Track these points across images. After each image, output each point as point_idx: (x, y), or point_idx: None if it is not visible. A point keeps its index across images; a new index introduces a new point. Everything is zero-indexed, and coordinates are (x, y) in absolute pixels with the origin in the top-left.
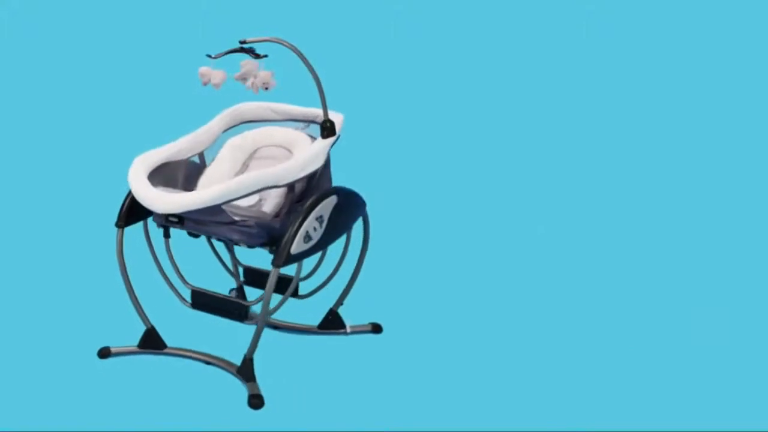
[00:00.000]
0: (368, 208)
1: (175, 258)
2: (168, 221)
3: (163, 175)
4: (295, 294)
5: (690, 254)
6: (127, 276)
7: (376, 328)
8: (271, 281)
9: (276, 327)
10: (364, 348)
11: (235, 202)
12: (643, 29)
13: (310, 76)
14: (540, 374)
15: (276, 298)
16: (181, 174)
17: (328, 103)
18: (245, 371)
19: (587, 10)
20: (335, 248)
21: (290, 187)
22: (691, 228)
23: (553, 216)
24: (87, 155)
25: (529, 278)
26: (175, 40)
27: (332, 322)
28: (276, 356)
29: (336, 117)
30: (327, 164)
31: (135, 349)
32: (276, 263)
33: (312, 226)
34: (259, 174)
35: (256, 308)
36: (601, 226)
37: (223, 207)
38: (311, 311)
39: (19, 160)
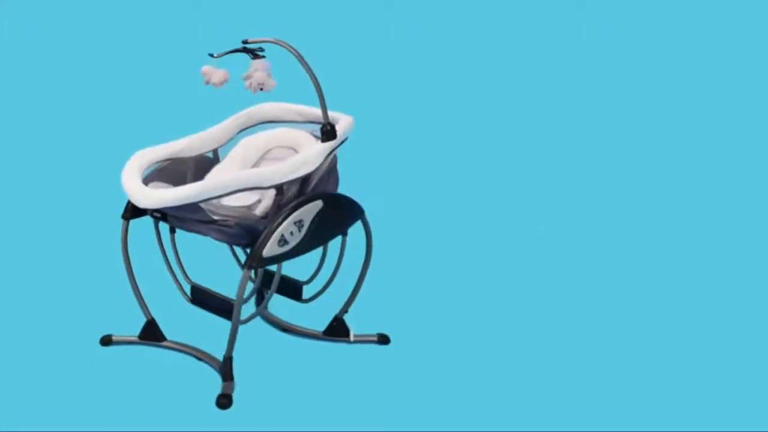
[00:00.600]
0: (376, 213)
1: (193, 254)
2: (153, 216)
3: (171, 171)
4: (299, 298)
5: (690, 254)
6: (130, 267)
7: (383, 339)
8: (243, 282)
9: (284, 329)
10: (363, 357)
11: (217, 201)
12: (643, 29)
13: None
14: (549, 386)
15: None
16: (191, 170)
17: (334, 106)
18: (224, 370)
19: (587, 10)
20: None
21: (278, 189)
22: (691, 228)
23: (559, 218)
24: (102, 151)
25: (539, 283)
26: (184, 40)
27: (337, 329)
28: (271, 358)
29: (344, 119)
30: (332, 168)
31: (135, 339)
32: (247, 264)
33: (289, 230)
34: (240, 174)
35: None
36: (605, 229)
37: (204, 205)
38: (328, 316)
39: (36, 154)
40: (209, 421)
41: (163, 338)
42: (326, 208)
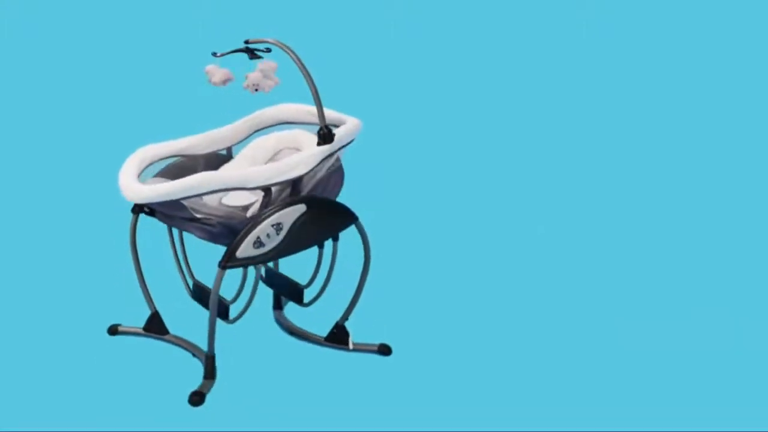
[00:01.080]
0: (380, 218)
1: (207, 252)
2: (143, 212)
3: (183, 167)
4: (300, 302)
5: (690, 254)
6: (138, 260)
7: (384, 350)
8: (217, 282)
9: (292, 332)
10: (359, 366)
11: (201, 199)
12: (643, 29)
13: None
14: (554, 398)
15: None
16: (201, 168)
17: (341, 108)
18: (205, 368)
19: (587, 10)
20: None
21: (266, 191)
22: (691, 227)
23: (561, 226)
24: (114, 148)
25: (543, 291)
26: (191, 39)
27: (337, 336)
28: (268, 360)
29: (350, 122)
30: (334, 171)
31: (140, 330)
32: (220, 264)
33: (265, 232)
34: (224, 174)
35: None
36: (607, 234)
37: (187, 203)
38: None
39: (50, 152)
40: (190, 419)
41: (166, 332)
42: (310, 212)
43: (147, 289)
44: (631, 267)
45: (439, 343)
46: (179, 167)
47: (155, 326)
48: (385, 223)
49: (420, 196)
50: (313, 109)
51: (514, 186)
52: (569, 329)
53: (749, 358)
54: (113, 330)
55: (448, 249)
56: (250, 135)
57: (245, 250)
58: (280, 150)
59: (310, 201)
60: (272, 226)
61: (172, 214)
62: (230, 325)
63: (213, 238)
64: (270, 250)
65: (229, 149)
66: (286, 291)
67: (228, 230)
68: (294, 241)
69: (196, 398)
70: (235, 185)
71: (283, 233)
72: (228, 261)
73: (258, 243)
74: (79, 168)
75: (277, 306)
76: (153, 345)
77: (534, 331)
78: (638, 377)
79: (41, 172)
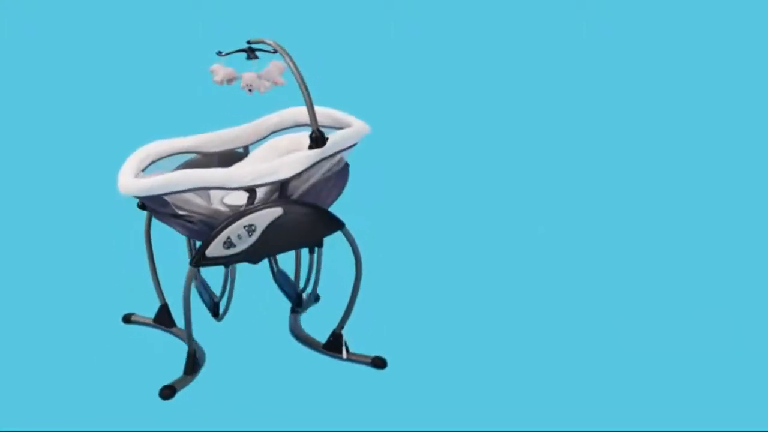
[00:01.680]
0: (382, 221)
1: None
2: (138, 207)
3: (197, 165)
4: (299, 305)
5: (690, 254)
6: (152, 253)
7: (378, 363)
8: (188, 280)
9: (297, 336)
10: (352, 377)
11: (184, 196)
12: (643, 29)
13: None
14: (556, 409)
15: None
16: (214, 166)
17: (348, 110)
18: (186, 363)
19: (588, 10)
20: (332, 260)
21: (250, 191)
22: (691, 227)
23: (563, 232)
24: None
25: (545, 299)
26: (202, 38)
27: (333, 344)
28: (263, 363)
29: (355, 125)
30: (333, 176)
31: (150, 321)
32: (191, 262)
33: (236, 233)
34: (206, 172)
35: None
36: (609, 242)
37: (170, 200)
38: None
39: (71, 147)
40: (162, 414)
41: (173, 324)
42: (288, 216)
43: (158, 282)
44: (632, 270)
45: (438, 349)
46: (193, 164)
47: (164, 318)
48: (388, 226)
49: (422, 201)
50: (332, 112)
51: (516, 191)
52: (571, 337)
53: (749, 358)
54: (127, 318)
55: (451, 253)
56: (268, 135)
57: (215, 249)
58: (292, 151)
59: (288, 205)
60: (244, 227)
61: (157, 209)
62: (235, 325)
63: (194, 235)
64: (241, 252)
65: (246, 148)
66: (290, 294)
67: (209, 229)
68: (267, 244)
69: (167, 392)
70: (218, 185)
71: (256, 235)
72: (198, 260)
73: (228, 243)
74: (93, 165)
75: (294, 309)
76: (159, 336)
77: (535, 342)
78: (638, 381)
79: (59, 169)
